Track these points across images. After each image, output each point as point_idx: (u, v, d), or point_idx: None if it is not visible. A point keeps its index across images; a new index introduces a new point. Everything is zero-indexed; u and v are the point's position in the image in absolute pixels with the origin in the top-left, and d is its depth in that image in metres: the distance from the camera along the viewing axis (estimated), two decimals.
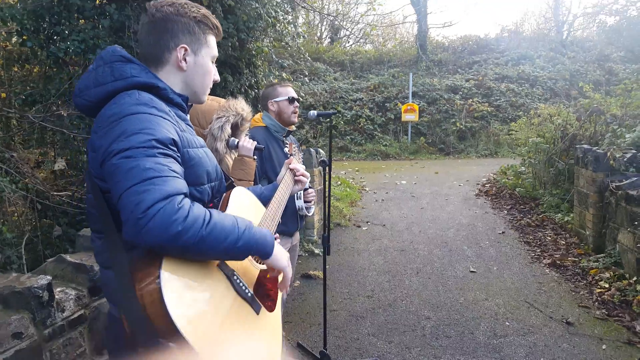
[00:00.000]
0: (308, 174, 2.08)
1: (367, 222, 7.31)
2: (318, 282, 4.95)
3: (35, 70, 5.62)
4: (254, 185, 2.38)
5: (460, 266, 5.36)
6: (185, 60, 1.50)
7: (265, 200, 1.82)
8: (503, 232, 6.62)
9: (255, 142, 2.51)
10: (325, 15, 19.84)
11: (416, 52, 22.07)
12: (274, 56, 6.36)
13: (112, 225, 1.29)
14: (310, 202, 2.90)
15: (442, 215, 7.63)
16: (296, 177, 2.05)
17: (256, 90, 6.28)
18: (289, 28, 6.72)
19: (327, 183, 3.17)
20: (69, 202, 4.70)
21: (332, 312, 4.23)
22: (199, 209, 1.21)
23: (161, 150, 1.24)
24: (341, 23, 23.41)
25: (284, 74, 7.33)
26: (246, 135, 2.56)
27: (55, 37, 4.97)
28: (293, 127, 3.18)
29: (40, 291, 2.16)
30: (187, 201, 1.20)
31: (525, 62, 20.45)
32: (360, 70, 21.91)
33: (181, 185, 1.23)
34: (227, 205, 1.51)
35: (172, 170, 1.23)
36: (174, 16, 1.48)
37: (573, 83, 18.42)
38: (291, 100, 3.03)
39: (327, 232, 3.14)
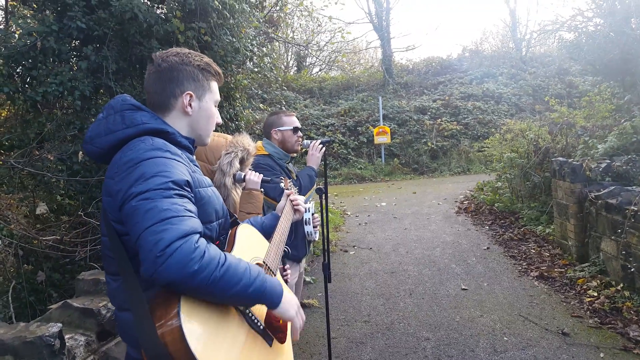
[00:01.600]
0: (306, 205, 2.12)
1: (353, 247, 7.34)
2: (313, 310, 4.92)
3: (7, 113, 5.54)
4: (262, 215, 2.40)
5: (452, 284, 5.41)
6: (190, 105, 1.57)
7: (267, 229, 1.89)
8: (488, 248, 6.73)
9: (262, 175, 2.53)
10: (298, 46, 20.09)
11: (382, 76, 22.57)
12: (253, 89, 6.41)
13: (129, 266, 1.33)
14: (316, 227, 2.94)
15: (426, 235, 7.71)
16: (295, 207, 2.11)
17: (236, 122, 6.31)
18: (265, 60, 6.81)
19: (323, 210, 3.19)
20: (52, 245, 4.59)
21: (331, 339, 4.20)
22: (214, 250, 1.26)
23: (177, 192, 1.31)
24: (309, 51, 23.77)
25: (261, 105, 7.40)
26: (250, 169, 2.59)
27: (31, 81, 4.93)
28: (294, 155, 3.23)
29: (52, 339, 2.12)
30: (203, 241, 1.25)
31: (488, 80, 21.13)
32: (329, 96, 22.20)
33: (197, 224, 1.29)
34: (234, 243, 1.56)
35: (187, 210, 1.29)
36: (179, 65, 1.56)
37: (536, 97, 19.11)
38: (295, 130, 3.08)
39: (327, 259, 3.16)
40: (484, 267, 5.93)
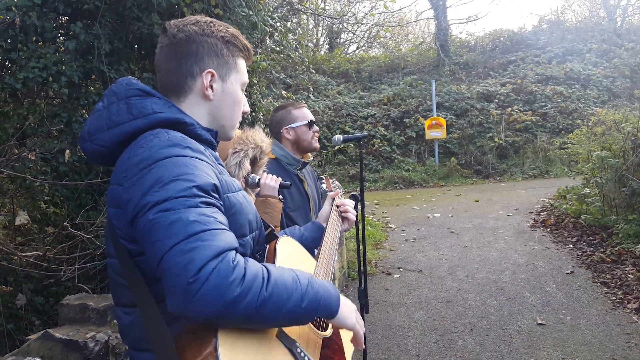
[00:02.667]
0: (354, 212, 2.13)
1: (398, 268, 7.34)
2: None
3: None
4: (280, 230, 2.44)
5: (525, 318, 5.35)
6: (211, 87, 1.55)
7: (308, 243, 1.89)
8: (572, 272, 6.63)
9: (280, 179, 2.56)
10: (330, 19, 20.18)
11: (436, 54, 22.44)
12: (274, 72, 6.50)
13: (148, 295, 1.31)
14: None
15: (491, 255, 7.64)
16: (343, 215, 2.10)
17: (253, 114, 6.41)
18: (289, 37, 6.90)
19: (359, 223, 3.22)
20: (34, 263, 4.75)
21: None
22: (254, 265, 1.25)
23: (204, 199, 1.28)
24: (343, 26, 23.88)
25: (283, 92, 7.49)
26: (265, 171, 2.62)
27: (10, 66, 5.12)
28: (310, 157, 3.26)
29: None
30: (240, 257, 1.23)
31: (572, 59, 20.74)
32: (369, 80, 22.24)
33: (231, 238, 1.26)
34: (274, 261, 1.55)
35: (218, 222, 1.26)
36: (199, 36, 1.53)
37: (635, 80, 18.68)
38: (310, 124, 3.11)
39: (364, 284, 3.17)
40: (566, 296, 5.84)
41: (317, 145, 3.21)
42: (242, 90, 1.64)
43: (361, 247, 3.19)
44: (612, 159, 7.87)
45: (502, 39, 24.14)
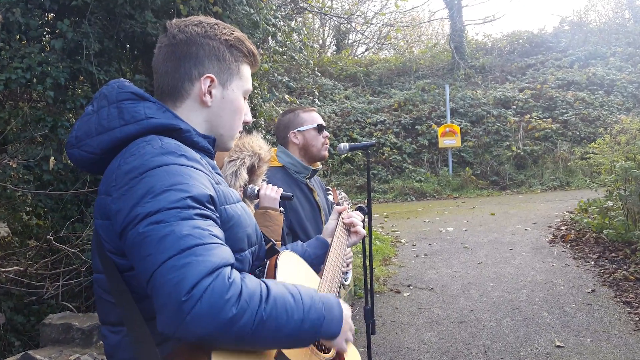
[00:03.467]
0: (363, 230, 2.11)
1: (408, 286, 7.28)
2: None
3: None
4: (281, 245, 2.40)
5: (542, 340, 5.29)
6: (210, 93, 1.55)
7: (311, 260, 1.87)
8: (593, 291, 6.56)
9: (281, 190, 2.53)
10: (337, 18, 20.24)
11: (450, 57, 22.46)
12: (276, 75, 6.48)
13: (137, 313, 1.30)
14: (349, 265, 2.91)
15: (508, 272, 7.58)
16: (353, 230, 2.09)
17: (254, 119, 6.38)
18: (293, 38, 6.89)
19: (366, 237, 3.17)
20: (15, 279, 4.71)
21: None
22: (252, 282, 1.23)
23: (199, 211, 1.27)
24: (352, 26, 23.94)
25: (286, 96, 7.47)
26: (264, 180, 2.59)
27: None
28: (319, 165, 3.22)
29: None
30: (236, 273, 1.22)
31: (596, 63, 20.72)
32: (378, 84, 22.28)
33: (227, 254, 1.25)
34: (274, 278, 1.54)
35: (213, 236, 1.26)
36: (201, 38, 1.54)
37: None
38: (319, 128, 3.07)
39: (370, 303, 3.13)
40: (587, 317, 5.77)
41: (326, 153, 3.17)
42: (244, 98, 1.65)
43: (368, 263, 3.14)
44: (636, 170, 7.80)
45: (520, 41, 24.14)
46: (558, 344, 5.18)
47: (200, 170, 1.38)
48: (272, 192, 2.51)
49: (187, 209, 1.24)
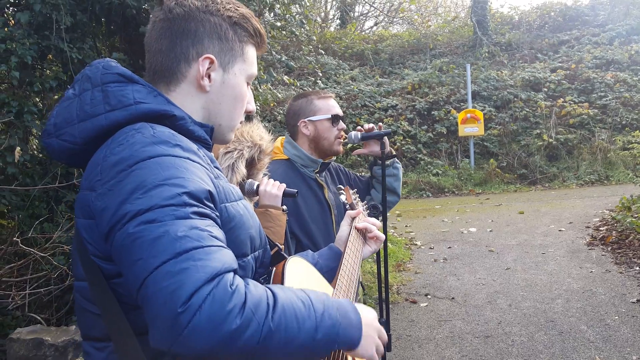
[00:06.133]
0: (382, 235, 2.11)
1: (426, 295, 7.28)
2: None
3: None
4: (284, 249, 2.39)
5: (581, 357, 5.28)
6: (209, 77, 1.54)
7: (323, 273, 1.85)
8: (638, 301, 6.55)
9: (284, 185, 2.51)
10: None
11: (472, 32, 22.43)
12: (274, 53, 6.46)
13: (126, 327, 1.29)
14: None
15: (540, 279, 7.58)
16: (369, 235, 2.09)
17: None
18: (293, 10, 6.86)
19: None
20: None
21: None
22: (257, 289, 1.22)
23: (196, 209, 1.26)
24: None
25: (285, 77, 7.44)
26: (265, 175, 2.58)
27: None
28: (332, 158, 3.20)
29: None
30: (239, 279, 1.21)
31: (639, 39, 20.64)
32: (389, 63, 22.29)
33: (229, 258, 1.24)
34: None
35: (213, 237, 1.24)
36: (201, 13, 1.53)
37: None
38: (335, 120, 3.04)
39: (385, 315, 3.12)
40: (632, 331, 5.76)
41: (340, 148, 3.15)
42: (248, 84, 1.64)
43: (382, 269, 3.13)
44: None
45: (552, 14, 24.13)
46: None
47: (198, 163, 1.37)
48: (273, 189, 2.50)
49: (183, 207, 1.23)
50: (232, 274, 1.20)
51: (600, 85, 18.50)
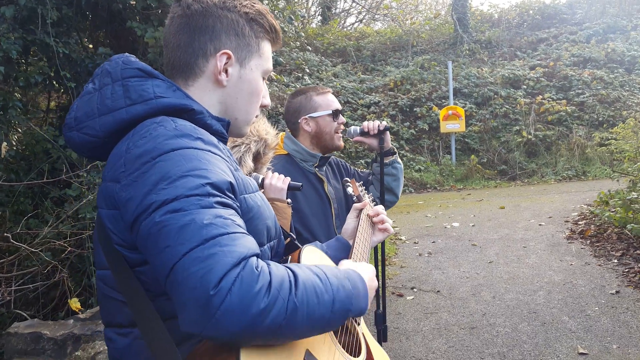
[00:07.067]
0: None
1: (412, 289, 7.32)
2: None
3: None
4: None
5: (563, 347, 5.33)
6: (226, 72, 1.57)
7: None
8: (617, 292, 6.61)
9: (289, 179, 2.54)
10: None
11: (453, 29, 22.50)
12: None
13: (153, 313, 1.31)
14: None
15: (522, 272, 7.64)
16: (380, 227, 2.14)
17: None
18: (280, 5, 6.84)
19: None
20: None
21: None
22: (279, 269, 1.25)
23: (219, 199, 1.29)
24: None
25: (272, 73, 7.39)
26: (269, 169, 2.61)
27: None
28: (333, 152, 3.21)
29: None
30: (262, 262, 1.23)
31: (615, 37, 20.88)
32: (371, 60, 22.28)
33: (252, 243, 1.27)
34: None
35: (237, 225, 1.28)
36: (219, 9, 1.56)
37: None
38: (335, 115, 3.06)
39: (382, 307, 3.14)
40: (612, 321, 5.82)
41: (341, 143, 3.18)
42: (263, 79, 1.67)
43: (380, 266, 3.16)
44: None
45: (531, 12, 24.30)
46: (581, 350, 5.21)
47: (218, 155, 1.40)
48: (278, 182, 2.52)
49: (207, 197, 1.26)
50: (255, 257, 1.23)
51: (577, 83, 18.66)
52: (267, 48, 1.65)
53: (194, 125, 1.42)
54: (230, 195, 1.34)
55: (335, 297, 1.31)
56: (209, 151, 1.37)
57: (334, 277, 1.34)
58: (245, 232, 1.29)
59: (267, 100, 1.69)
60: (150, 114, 1.42)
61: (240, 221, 1.31)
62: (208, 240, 1.18)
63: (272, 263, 1.26)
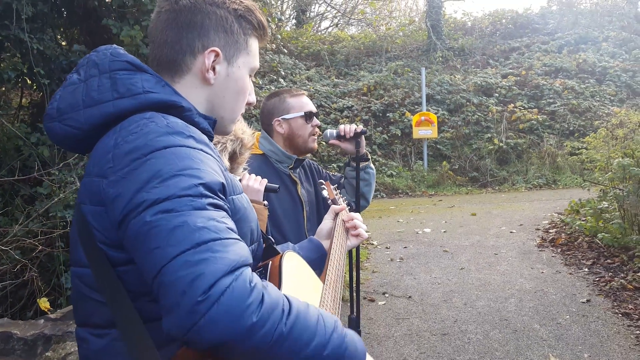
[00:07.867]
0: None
1: (383, 294, 7.31)
2: None
3: None
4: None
5: (535, 354, 5.35)
6: (214, 69, 1.54)
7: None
8: (588, 301, 6.67)
9: (266, 180, 2.51)
10: None
11: (426, 36, 22.62)
12: None
13: (134, 314, 1.27)
14: None
15: (493, 279, 7.67)
16: (353, 232, 2.12)
17: None
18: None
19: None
20: None
21: None
22: (274, 291, 1.21)
23: (211, 200, 1.26)
24: None
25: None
26: (246, 169, 2.58)
27: None
28: (308, 155, 3.20)
29: None
30: (257, 277, 1.19)
31: (587, 48, 21.16)
32: (345, 65, 22.31)
33: (245, 251, 1.23)
34: (280, 280, 1.51)
35: (230, 230, 1.24)
36: (208, 6, 1.53)
37: None
38: (308, 117, 3.04)
39: (356, 311, 3.13)
40: (583, 330, 5.86)
41: (314, 145, 3.16)
42: (250, 76, 1.64)
43: (353, 268, 3.14)
44: (634, 167, 7.95)
45: (504, 21, 24.53)
46: (553, 359, 5.25)
47: (210, 155, 1.37)
48: (255, 183, 2.50)
49: (200, 198, 1.23)
50: (249, 269, 1.20)
51: (549, 92, 18.89)
52: (254, 45, 1.63)
53: (185, 123, 1.40)
54: (221, 196, 1.32)
55: (328, 343, 1.25)
56: (201, 150, 1.34)
57: (330, 323, 1.28)
58: (238, 237, 1.25)
59: (253, 98, 1.66)
60: (138, 109, 1.39)
61: (232, 224, 1.28)
62: (200, 245, 1.15)
63: (269, 284, 1.22)
